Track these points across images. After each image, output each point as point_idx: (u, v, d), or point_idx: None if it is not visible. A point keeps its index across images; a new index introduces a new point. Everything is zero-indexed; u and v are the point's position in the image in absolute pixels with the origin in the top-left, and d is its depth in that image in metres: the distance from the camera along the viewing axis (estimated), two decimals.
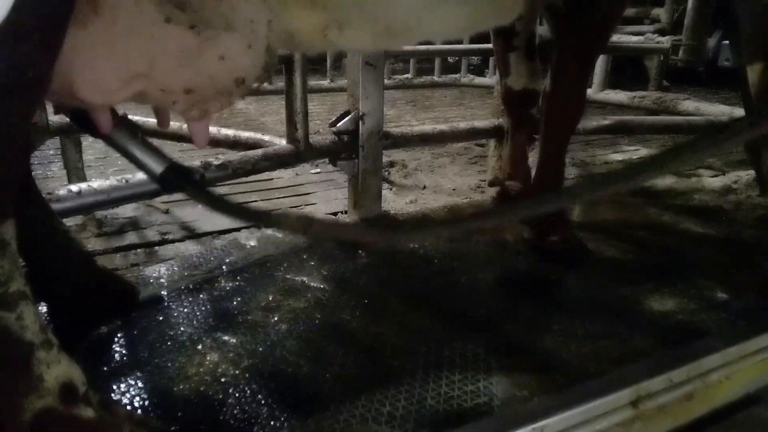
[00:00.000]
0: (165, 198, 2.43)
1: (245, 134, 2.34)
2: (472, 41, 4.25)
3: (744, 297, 1.69)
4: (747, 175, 2.82)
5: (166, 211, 2.46)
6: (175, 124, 1.92)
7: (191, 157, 3.06)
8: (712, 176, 3.09)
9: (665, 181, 3.02)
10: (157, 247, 2.14)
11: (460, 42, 4.27)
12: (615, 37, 3.34)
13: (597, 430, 1.11)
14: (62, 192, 1.60)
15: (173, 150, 3.48)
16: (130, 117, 1.17)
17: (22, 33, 0.77)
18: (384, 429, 1.13)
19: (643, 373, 1.19)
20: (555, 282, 1.80)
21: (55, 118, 2.10)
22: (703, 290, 1.72)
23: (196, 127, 1.16)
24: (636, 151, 3.74)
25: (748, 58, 1.69)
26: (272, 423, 1.13)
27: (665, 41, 3.03)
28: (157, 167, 1.15)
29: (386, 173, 3.03)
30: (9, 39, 0.77)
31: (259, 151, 2.08)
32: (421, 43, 4.60)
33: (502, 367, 1.33)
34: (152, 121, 1.31)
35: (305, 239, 2.01)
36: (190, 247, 2.13)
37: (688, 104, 3.23)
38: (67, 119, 1.44)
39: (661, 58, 3.77)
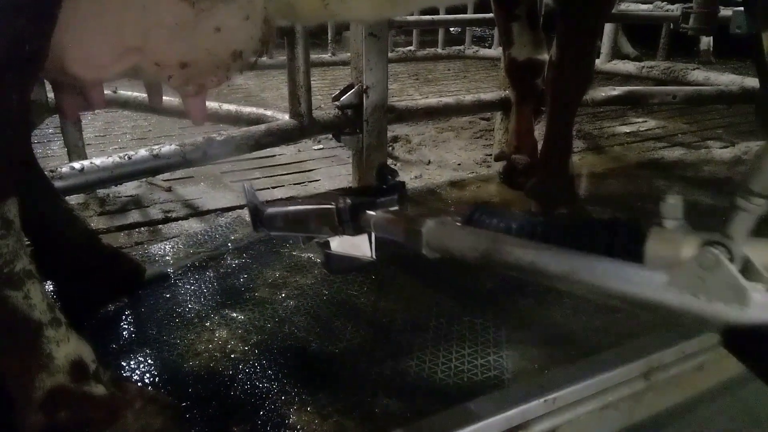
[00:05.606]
0: (167, 175, 2.41)
1: (247, 110, 2.31)
2: (477, 10, 4.17)
3: None
4: (757, 146, 2.78)
5: (169, 189, 2.45)
6: (176, 100, 1.88)
7: (192, 134, 3.04)
8: (722, 147, 3.05)
9: (674, 153, 2.98)
10: (161, 225, 2.12)
11: (464, 12, 4.19)
12: (623, 5, 3.27)
13: (609, 402, 1.11)
14: (65, 169, 1.58)
15: (173, 127, 3.46)
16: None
17: (18, 5, 0.75)
18: (394, 403, 1.13)
19: (656, 345, 1.18)
20: None
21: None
22: None
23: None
24: (644, 123, 3.69)
25: (762, 23, 1.64)
26: (283, 398, 1.13)
27: (675, 9, 2.96)
28: None
29: (390, 148, 3.00)
30: (6, 12, 0.74)
31: (262, 127, 2.05)
32: (423, 13, 4.52)
33: (512, 341, 1.32)
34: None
35: None
36: (194, 225, 2.12)
37: (698, 74, 3.19)
38: None
39: (671, 27, 3.70)
